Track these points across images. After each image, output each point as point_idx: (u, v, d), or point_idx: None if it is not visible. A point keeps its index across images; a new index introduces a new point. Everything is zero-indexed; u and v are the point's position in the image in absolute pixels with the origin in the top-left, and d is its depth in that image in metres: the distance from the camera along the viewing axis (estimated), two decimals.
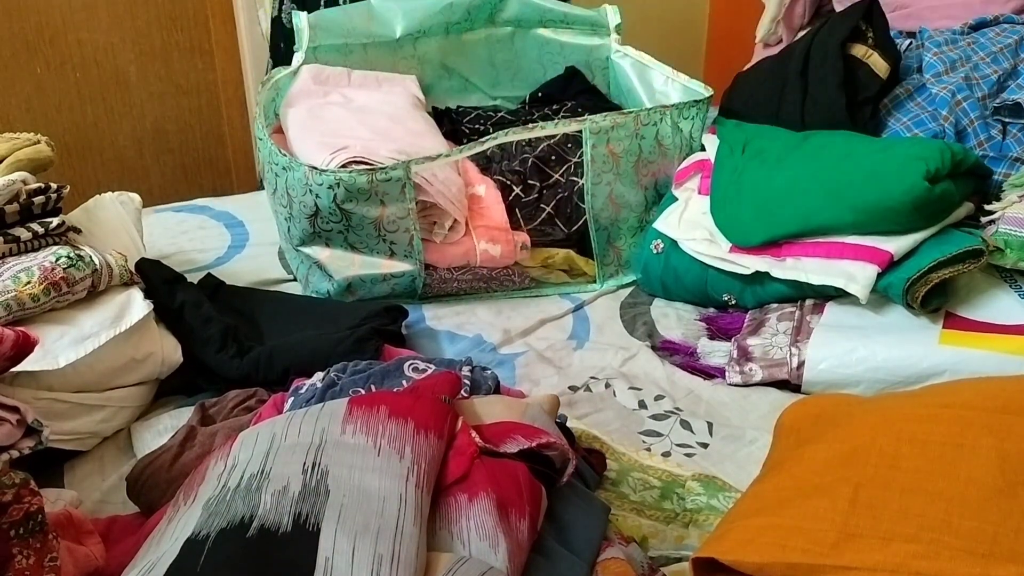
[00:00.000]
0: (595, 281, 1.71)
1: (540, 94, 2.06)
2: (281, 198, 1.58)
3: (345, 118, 1.69)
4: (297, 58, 1.82)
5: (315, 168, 1.49)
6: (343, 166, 1.52)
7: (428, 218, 1.60)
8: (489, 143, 1.59)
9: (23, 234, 1.27)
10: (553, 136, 1.71)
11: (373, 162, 1.53)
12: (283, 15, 2.15)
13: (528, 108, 2.02)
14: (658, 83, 1.87)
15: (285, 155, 1.54)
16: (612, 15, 1.97)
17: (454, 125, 1.93)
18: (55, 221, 1.31)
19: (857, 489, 0.80)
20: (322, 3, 2.09)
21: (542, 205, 1.69)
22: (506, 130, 1.60)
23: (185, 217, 1.94)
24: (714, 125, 1.74)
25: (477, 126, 1.92)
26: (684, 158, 1.71)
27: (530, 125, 1.61)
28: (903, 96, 1.68)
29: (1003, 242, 1.37)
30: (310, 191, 1.50)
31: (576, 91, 2.01)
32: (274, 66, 2.14)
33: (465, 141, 1.80)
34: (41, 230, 1.29)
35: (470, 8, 1.94)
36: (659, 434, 1.30)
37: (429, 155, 1.55)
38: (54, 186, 1.34)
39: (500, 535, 0.82)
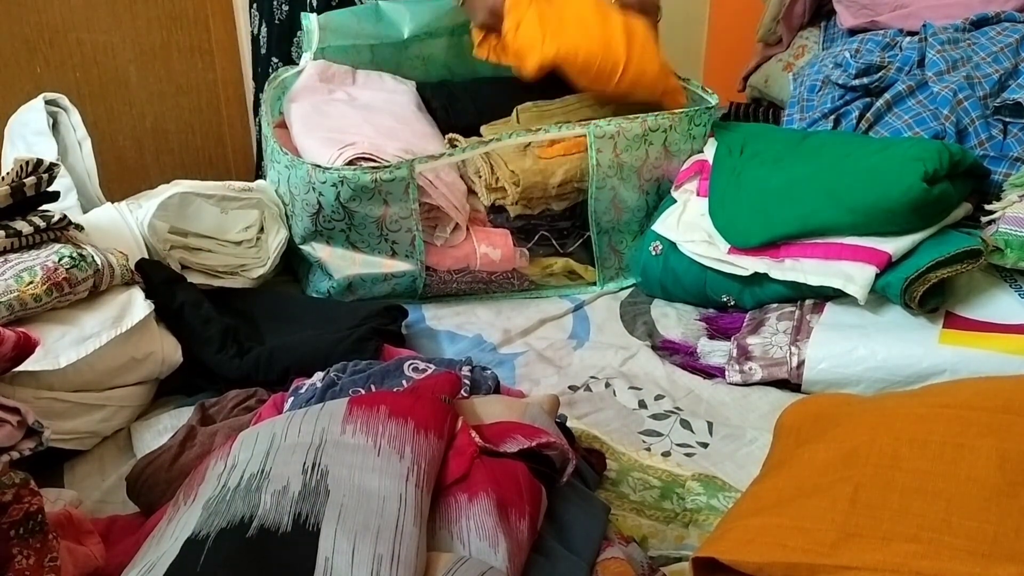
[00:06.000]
0: (595, 284, 1.71)
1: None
2: (284, 196, 1.58)
3: (350, 115, 1.69)
4: (305, 58, 1.82)
5: (319, 166, 1.49)
6: (350, 162, 1.52)
7: (429, 221, 1.60)
8: (492, 144, 1.59)
9: (24, 228, 1.26)
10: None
11: (380, 159, 1.53)
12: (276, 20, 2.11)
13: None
14: None
15: (287, 154, 1.54)
16: None
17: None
18: (57, 215, 1.31)
19: (857, 489, 0.80)
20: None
21: (542, 232, 1.69)
22: (510, 133, 1.60)
23: None
24: (712, 128, 1.74)
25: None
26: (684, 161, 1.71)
27: (534, 128, 1.60)
28: (905, 93, 1.68)
29: (1003, 242, 1.37)
30: (313, 189, 1.50)
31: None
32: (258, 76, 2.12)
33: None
34: (43, 224, 1.28)
35: None
36: (659, 434, 1.30)
37: (433, 154, 1.55)
38: (45, 162, 1.30)
39: (500, 535, 0.82)
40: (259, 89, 2.08)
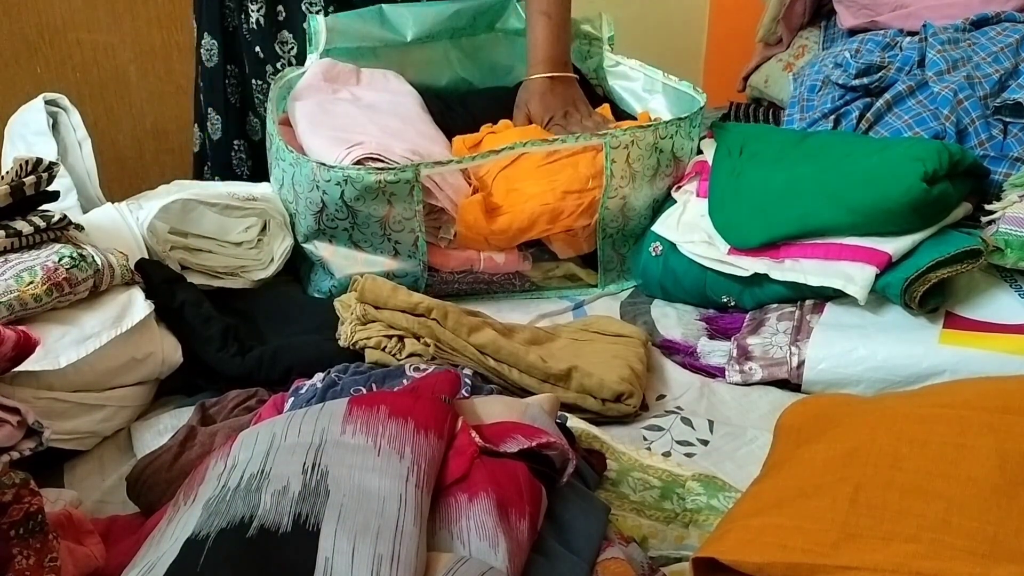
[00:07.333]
0: (596, 285, 1.71)
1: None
2: (287, 194, 1.58)
3: (355, 115, 1.69)
4: (311, 59, 1.83)
5: (323, 164, 1.49)
6: (359, 162, 1.52)
7: (433, 222, 1.60)
8: (504, 153, 1.58)
9: (25, 228, 1.26)
10: None
11: (388, 159, 1.53)
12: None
13: None
14: (643, 89, 1.87)
15: (292, 151, 1.54)
16: (606, 27, 1.97)
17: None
18: (57, 215, 1.31)
19: (857, 489, 0.80)
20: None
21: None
22: (524, 142, 1.59)
23: None
24: (711, 129, 1.74)
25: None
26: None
27: (550, 138, 1.60)
28: (905, 93, 1.68)
29: (1003, 242, 1.37)
30: (317, 187, 1.50)
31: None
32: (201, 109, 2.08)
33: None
34: (43, 224, 1.28)
35: (476, 15, 1.96)
36: (660, 428, 1.30)
37: (440, 160, 1.55)
38: (45, 161, 1.30)
39: (500, 535, 0.82)
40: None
